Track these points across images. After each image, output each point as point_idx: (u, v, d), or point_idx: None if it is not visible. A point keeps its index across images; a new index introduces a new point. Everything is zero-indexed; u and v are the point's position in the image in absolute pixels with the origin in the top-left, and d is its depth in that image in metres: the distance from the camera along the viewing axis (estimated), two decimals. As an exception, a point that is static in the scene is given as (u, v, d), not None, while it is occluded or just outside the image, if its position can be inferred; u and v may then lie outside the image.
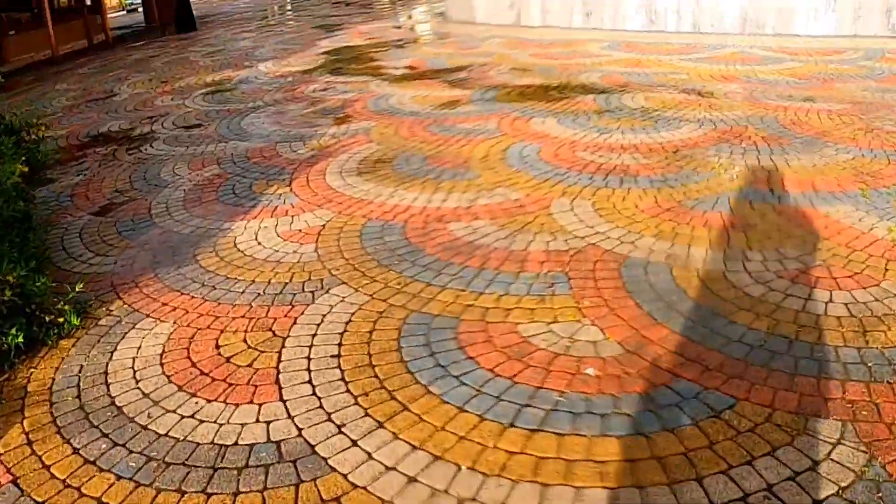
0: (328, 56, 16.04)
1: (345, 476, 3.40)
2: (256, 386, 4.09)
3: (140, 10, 36.35)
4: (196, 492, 3.40)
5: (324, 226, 6.21)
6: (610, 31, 16.01)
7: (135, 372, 4.38)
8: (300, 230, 6.18)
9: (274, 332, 4.61)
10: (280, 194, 7.12)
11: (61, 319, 4.91)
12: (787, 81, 10.49)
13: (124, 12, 50.66)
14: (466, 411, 3.74)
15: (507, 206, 6.28)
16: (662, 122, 8.55)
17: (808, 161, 6.97)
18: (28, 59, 21.20)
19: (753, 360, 3.97)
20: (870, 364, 3.90)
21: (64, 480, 3.55)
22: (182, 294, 5.29)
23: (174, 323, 4.88)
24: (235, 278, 5.43)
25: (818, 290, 4.65)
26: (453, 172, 7.23)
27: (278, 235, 6.13)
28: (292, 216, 6.51)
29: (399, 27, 20.67)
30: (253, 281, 5.35)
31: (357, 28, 21.13)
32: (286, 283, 5.25)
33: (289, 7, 35.70)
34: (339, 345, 4.39)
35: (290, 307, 4.90)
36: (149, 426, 3.87)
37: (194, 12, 28.80)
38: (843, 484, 3.14)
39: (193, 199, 7.32)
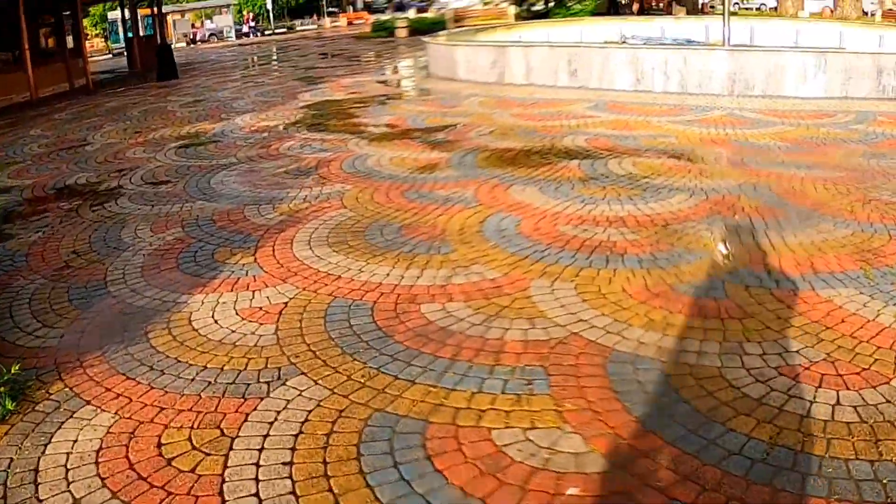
0: (308, 110, 15.74)
1: None
2: (197, 497, 3.62)
3: (126, 54, 36.18)
4: None
5: (286, 304, 5.74)
6: (596, 90, 15.75)
7: (67, 471, 3.90)
8: (261, 308, 5.71)
9: (222, 431, 4.14)
10: (243, 265, 6.66)
11: (-5, 403, 4.45)
12: (779, 146, 10.24)
13: (111, 56, 50.63)
14: (431, 541, 3.29)
15: (484, 286, 5.84)
16: (651, 191, 8.18)
17: (805, 237, 6.62)
18: (7, 101, 20.82)
19: (755, 477, 3.54)
20: (884, 480, 3.48)
21: None
22: (128, 378, 4.81)
23: (116, 413, 4.40)
24: (187, 362, 4.96)
25: (824, 389, 4.23)
26: (428, 245, 6.80)
27: (237, 313, 5.66)
28: (254, 291, 6.05)
29: (382, 82, 20.45)
30: (205, 366, 4.87)
31: (339, 81, 20.88)
32: (240, 371, 4.77)
33: (274, 57, 35.60)
34: (293, 449, 3.92)
35: (242, 400, 4.43)
36: (74, 542, 3.41)
37: (179, 59, 28.60)
38: None
39: (152, 265, 6.88)
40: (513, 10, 44.44)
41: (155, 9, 32.78)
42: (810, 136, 10.93)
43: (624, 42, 25.89)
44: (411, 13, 66.15)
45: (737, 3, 73.59)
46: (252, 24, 64.64)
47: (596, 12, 46.19)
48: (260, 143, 12.37)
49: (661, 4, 61.67)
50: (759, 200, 7.70)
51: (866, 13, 58.29)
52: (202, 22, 65.89)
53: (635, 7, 52.26)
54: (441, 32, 25.98)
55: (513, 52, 17.48)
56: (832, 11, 55.04)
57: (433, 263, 6.35)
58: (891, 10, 46.91)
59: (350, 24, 67.60)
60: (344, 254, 6.70)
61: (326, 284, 6.03)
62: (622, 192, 8.15)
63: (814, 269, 5.91)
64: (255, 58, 36.06)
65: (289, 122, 14.28)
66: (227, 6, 66.91)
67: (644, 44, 25.33)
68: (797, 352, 4.65)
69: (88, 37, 70.29)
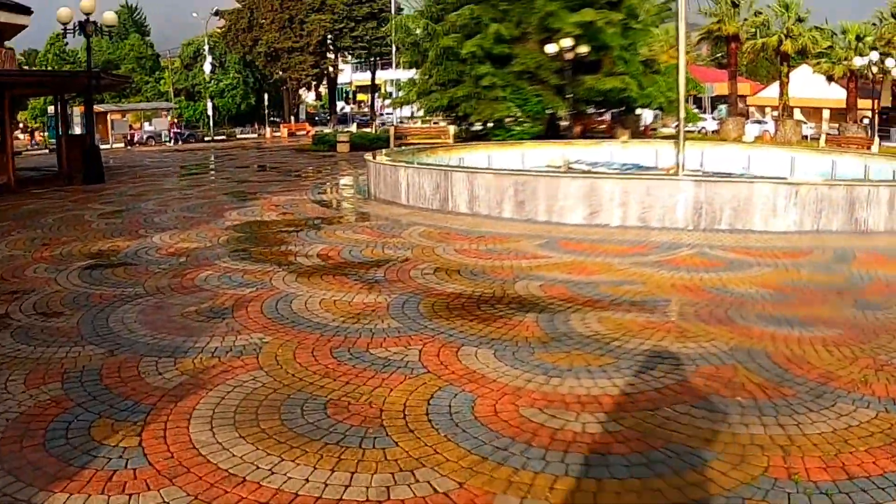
0: (233, 232, 14.40)
1: None
2: None
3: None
4: None
5: (169, 522, 4.34)
6: (545, 223, 14.74)
7: None
8: (135, 527, 4.30)
9: None
10: (124, 449, 5.20)
11: None
12: (763, 295, 9.32)
13: (48, 151, 49.22)
14: None
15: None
16: (626, 358, 6.96)
17: (825, 425, 5.50)
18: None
19: None
20: None
21: None
22: None
23: None
24: None
25: None
26: (361, 434, 5.39)
27: (102, 533, 4.24)
28: (131, 495, 4.59)
29: (318, 202, 19.14)
30: None
31: (273, 199, 19.63)
32: None
33: (209, 166, 34.46)
34: None
35: None
36: None
37: (114, 162, 27.35)
38: None
39: (13, 438, 5.45)
40: (453, 129, 44.17)
41: (85, 107, 31.52)
42: (792, 281, 10.14)
43: (569, 167, 25.24)
44: (353, 127, 65.96)
45: (675, 126, 74.75)
46: (177, 129, 62.52)
47: (537, 135, 46.11)
48: (175, 270, 10.98)
49: (603, 127, 62.31)
50: (758, 373, 6.60)
51: (805, 137, 59.93)
52: (141, 124, 64.66)
53: (577, 130, 52.46)
54: (383, 151, 25.01)
55: (456, 178, 16.40)
56: (772, 137, 56.26)
57: (367, 463, 4.95)
58: (830, 134, 47.79)
59: (291, 134, 66.97)
60: (253, 442, 5.27)
61: (226, 491, 4.60)
62: (591, 360, 6.92)
63: (847, 473, 4.79)
64: (189, 166, 34.75)
65: (211, 246, 12.91)
66: (168, 109, 65.97)
67: (590, 169, 24.72)
68: None
69: (28, 129, 68.81)
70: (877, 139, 42.12)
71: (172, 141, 59.89)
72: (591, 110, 57.10)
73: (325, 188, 22.73)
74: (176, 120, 64.05)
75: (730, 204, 14.01)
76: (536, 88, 47.92)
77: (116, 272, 10.90)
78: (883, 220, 14.19)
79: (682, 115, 19.63)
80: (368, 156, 21.27)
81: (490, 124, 49.60)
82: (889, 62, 48.24)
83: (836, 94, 74.71)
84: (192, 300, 9.21)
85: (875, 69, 49.00)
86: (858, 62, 50.49)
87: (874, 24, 59.98)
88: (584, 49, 45.05)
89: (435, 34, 46.02)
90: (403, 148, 27.62)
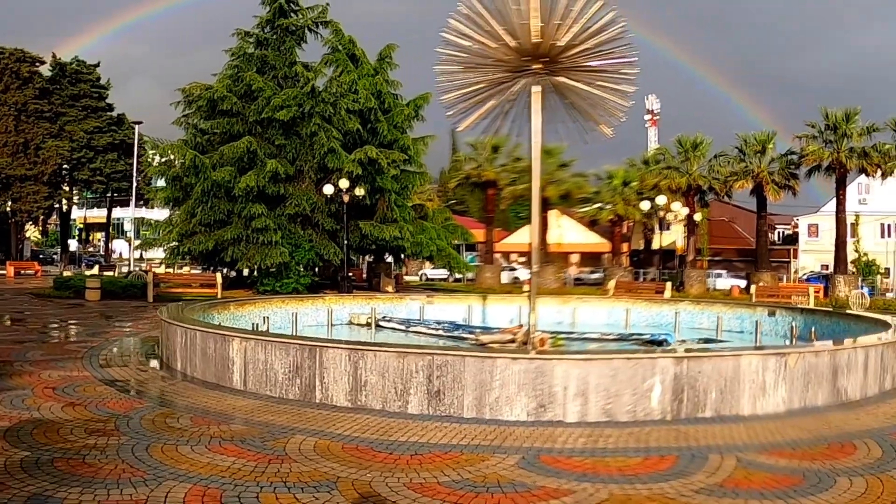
0: (9, 447, 8.97)
1: None
2: None
3: None
4: None
5: None
6: (476, 422, 10.64)
7: None
8: None
9: None
10: None
11: None
12: None
13: None
14: None
15: None
16: None
17: None
18: None
19: None
20: None
21: None
22: None
23: None
24: None
25: None
26: None
27: None
28: None
29: (109, 382, 13.57)
30: None
31: (41, 375, 13.92)
32: None
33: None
34: None
35: None
36: None
37: None
38: None
39: None
40: (219, 276, 39.50)
41: None
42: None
43: (377, 325, 22.03)
44: (96, 269, 59.47)
45: (423, 274, 73.81)
46: None
47: (309, 285, 42.53)
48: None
49: (352, 275, 59.84)
50: None
51: (565, 283, 60.16)
52: None
53: (356, 273, 49.79)
54: (179, 307, 19.69)
55: (332, 357, 11.74)
56: (527, 283, 55.72)
57: None
58: (621, 280, 47.34)
59: (17, 274, 59.37)
60: None
61: None
62: None
63: None
64: None
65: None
66: None
67: (407, 327, 22.10)
68: None
69: None
70: (669, 284, 41.80)
71: None
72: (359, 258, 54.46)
73: (106, 356, 16.72)
74: None
75: (715, 384, 11.17)
76: (310, 233, 44.37)
77: None
78: (859, 387, 12.84)
79: (535, 268, 16.50)
80: (166, 314, 16.43)
81: (254, 272, 45.29)
82: (675, 205, 48.83)
83: (590, 239, 76.86)
84: None
85: (662, 213, 49.44)
86: (645, 206, 50.92)
87: (637, 169, 62.14)
88: (360, 191, 42.23)
89: (203, 167, 41.38)
90: (196, 302, 22.70)
